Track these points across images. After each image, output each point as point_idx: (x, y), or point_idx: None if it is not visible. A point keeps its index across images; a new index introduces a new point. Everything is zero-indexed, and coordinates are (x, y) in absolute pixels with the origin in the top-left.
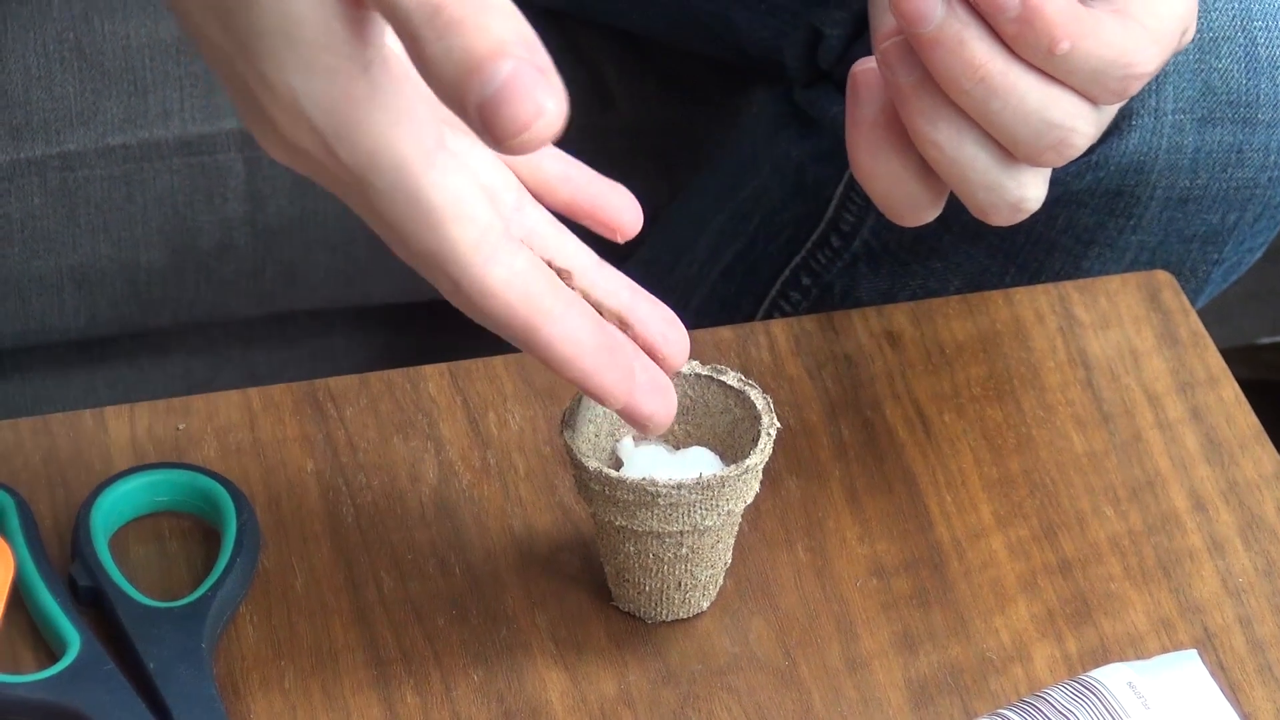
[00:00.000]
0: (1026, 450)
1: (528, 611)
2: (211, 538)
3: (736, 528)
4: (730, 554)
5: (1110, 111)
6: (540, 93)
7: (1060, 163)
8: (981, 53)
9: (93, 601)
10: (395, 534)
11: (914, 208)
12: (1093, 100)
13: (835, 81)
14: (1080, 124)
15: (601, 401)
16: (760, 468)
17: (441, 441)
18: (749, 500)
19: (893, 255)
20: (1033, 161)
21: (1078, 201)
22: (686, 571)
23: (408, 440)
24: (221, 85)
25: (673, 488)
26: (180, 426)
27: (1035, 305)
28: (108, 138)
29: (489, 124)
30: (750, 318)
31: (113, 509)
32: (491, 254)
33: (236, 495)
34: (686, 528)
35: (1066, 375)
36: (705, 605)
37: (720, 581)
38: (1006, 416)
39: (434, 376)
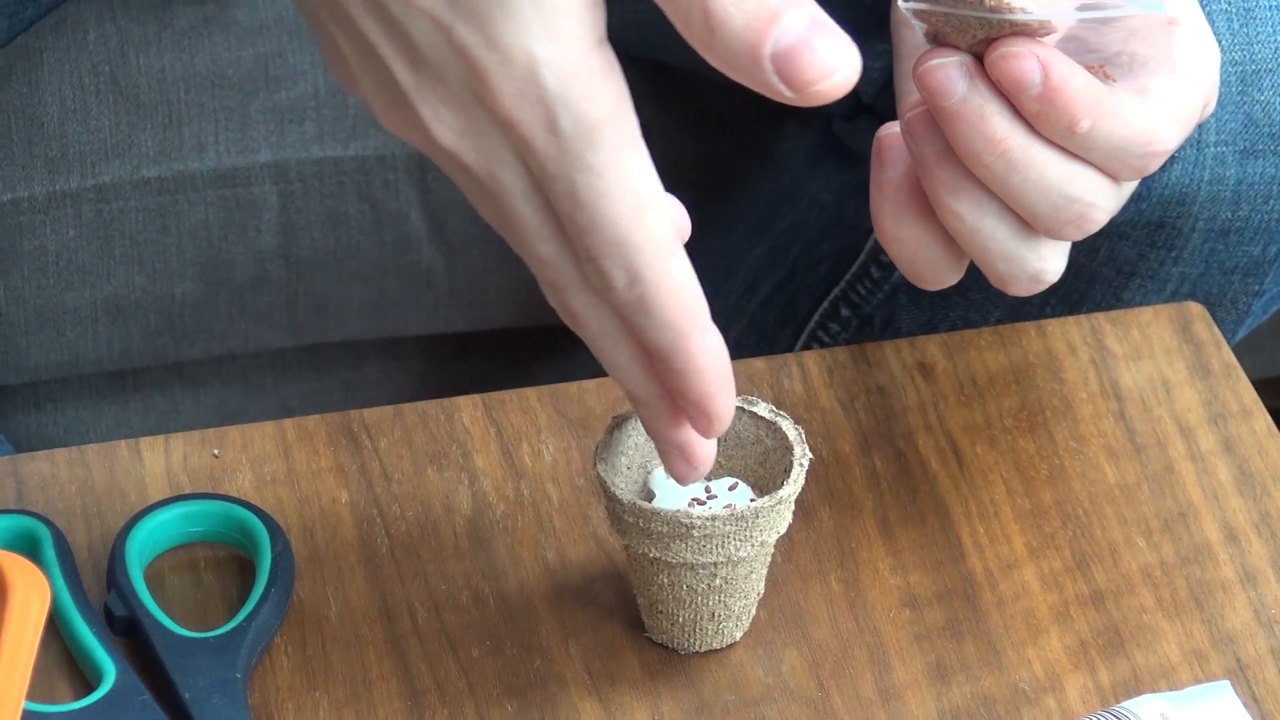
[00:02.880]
0: (1059, 481)
1: (561, 643)
2: (246, 568)
3: (769, 558)
4: (763, 584)
5: (1131, 186)
6: (839, 42)
7: (1079, 236)
8: (1002, 128)
9: (128, 631)
10: (429, 565)
11: (935, 272)
12: (1113, 177)
13: (876, 113)
14: (1100, 199)
15: (708, 424)
16: (793, 498)
17: (475, 473)
18: (782, 531)
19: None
20: (1052, 235)
21: (1119, 233)
22: (720, 602)
23: (442, 471)
24: (415, 53)
25: (707, 519)
26: (215, 453)
27: (1068, 337)
28: (142, 170)
29: (788, 72)
30: (789, 350)
31: (148, 539)
32: (674, 250)
33: (271, 526)
34: (720, 559)
35: (1099, 407)
36: (738, 636)
37: (753, 612)
38: (1039, 448)
39: (467, 408)
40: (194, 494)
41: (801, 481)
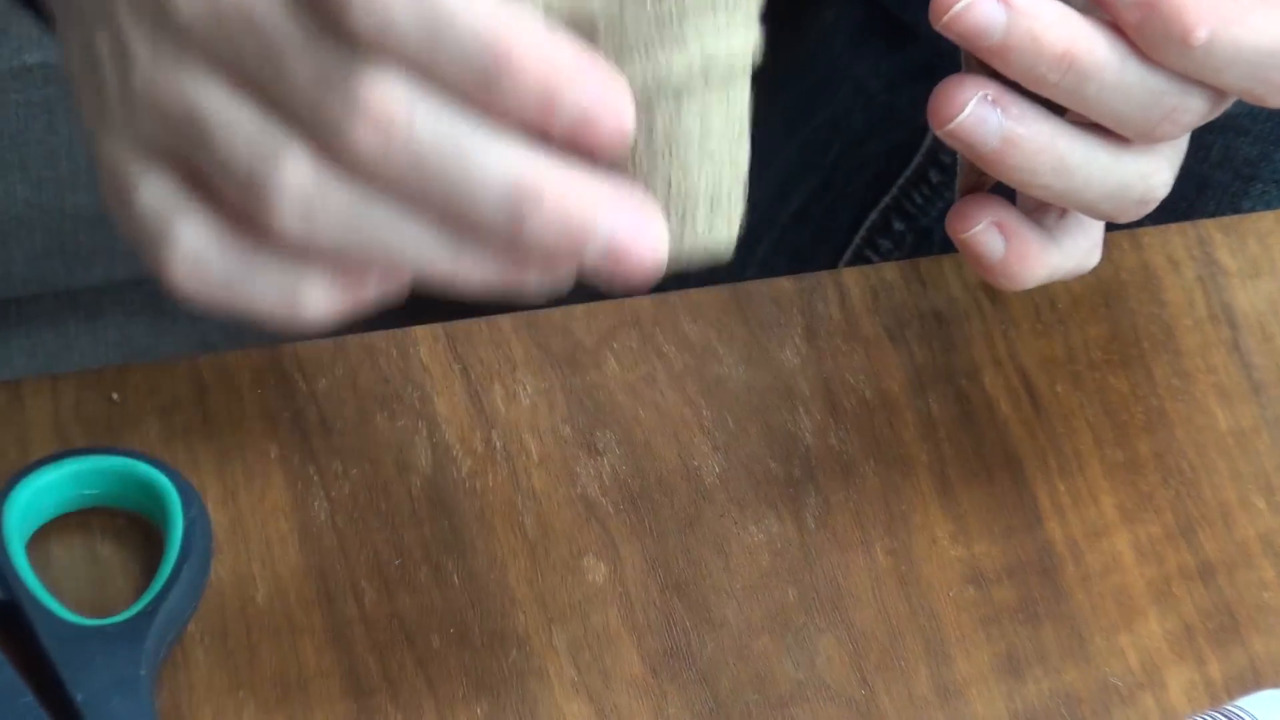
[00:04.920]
0: (1158, 428)
1: (543, 630)
2: (153, 539)
3: (741, 107)
4: (743, 154)
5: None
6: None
7: (1180, 133)
8: (1061, 38)
9: (6, 619)
10: (379, 535)
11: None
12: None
13: None
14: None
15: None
16: None
17: (436, 420)
18: (739, 45)
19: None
20: (1148, 139)
21: (1236, 128)
22: (670, 162)
23: (394, 419)
24: None
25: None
26: (114, 397)
27: (1169, 250)
28: (24, 55)
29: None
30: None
31: (31, 505)
32: None
33: (183, 487)
34: (647, 77)
35: (1207, 335)
36: (723, 239)
37: (736, 200)
38: (1133, 387)
39: (426, 340)
40: (88, 448)
41: None
